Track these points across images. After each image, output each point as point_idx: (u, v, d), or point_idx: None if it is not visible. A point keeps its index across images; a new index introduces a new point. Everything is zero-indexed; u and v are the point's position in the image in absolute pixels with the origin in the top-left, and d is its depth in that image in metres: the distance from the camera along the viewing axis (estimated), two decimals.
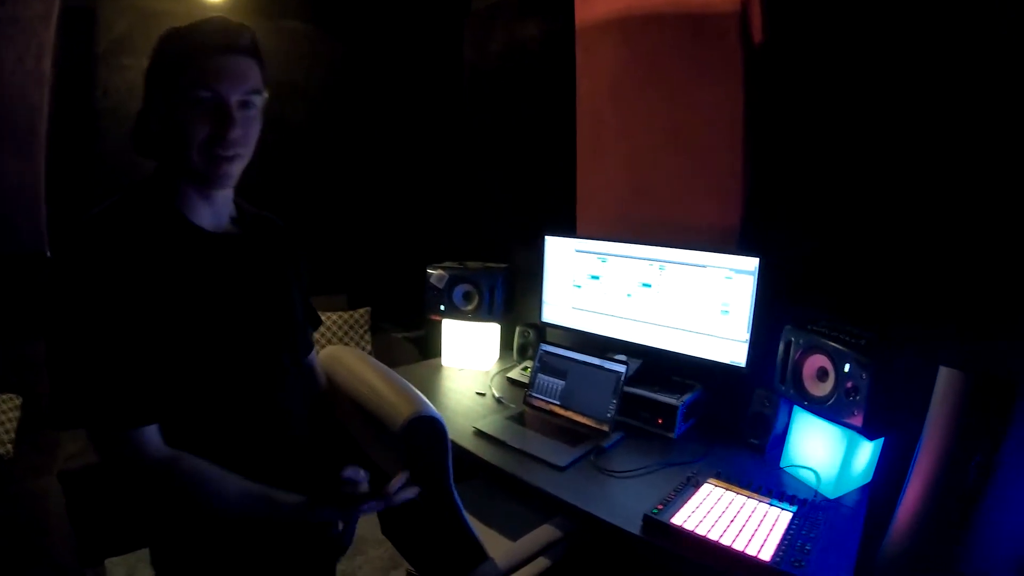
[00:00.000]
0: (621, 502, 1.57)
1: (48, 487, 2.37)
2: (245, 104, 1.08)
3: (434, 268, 2.59)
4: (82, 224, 1.00)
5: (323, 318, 3.63)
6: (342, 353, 1.55)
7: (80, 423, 0.99)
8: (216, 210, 1.17)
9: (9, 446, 2.52)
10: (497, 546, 1.72)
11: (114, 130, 3.09)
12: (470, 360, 2.65)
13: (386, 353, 3.75)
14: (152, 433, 1.03)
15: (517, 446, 1.86)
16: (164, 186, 1.11)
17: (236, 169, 1.12)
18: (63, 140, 2.93)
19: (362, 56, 3.94)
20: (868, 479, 1.67)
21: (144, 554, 2.64)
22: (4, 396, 2.61)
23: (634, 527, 1.44)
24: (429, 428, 1.27)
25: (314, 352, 1.51)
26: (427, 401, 1.30)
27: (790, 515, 1.43)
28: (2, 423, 2.53)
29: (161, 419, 1.04)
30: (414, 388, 1.35)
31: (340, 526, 1.42)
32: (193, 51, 1.03)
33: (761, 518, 1.42)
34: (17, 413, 2.62)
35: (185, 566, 1.17)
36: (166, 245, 1.05)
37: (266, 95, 1.13)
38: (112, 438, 1.01)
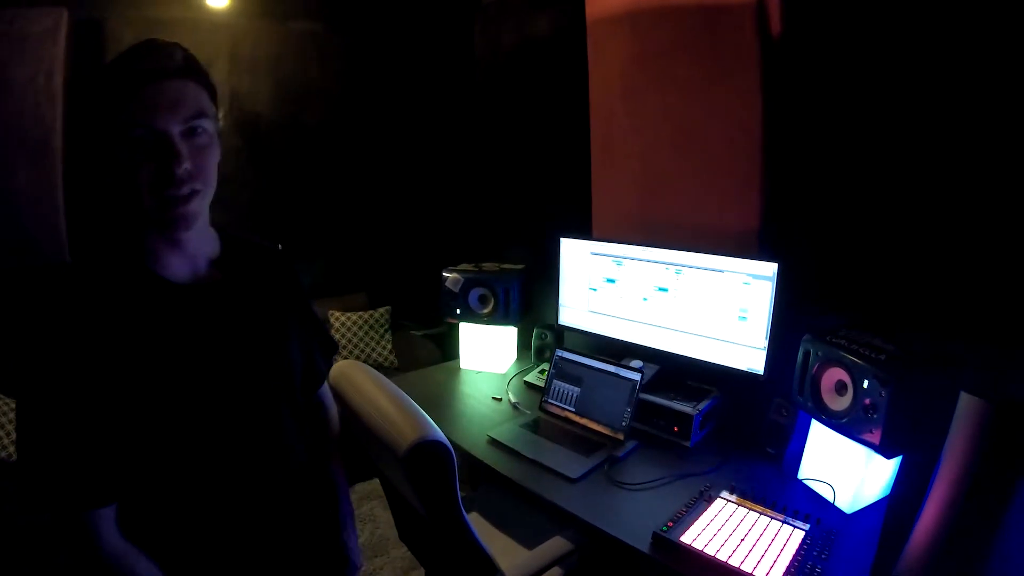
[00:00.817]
0: (632, 516, 1.56)
1: None
2: (191, 132, 0.96)
3: (449, 271, 2.59)
4: (45, 289, 0.94)
5: (344, 317, 3.70)
6: (351, 370, 1.55)
7: (39, 504, 0.93)
8: (188, 255, 1.06)
9: (14, 449, 2.58)
10: (513, 555, 1.73)
11: None
12: (488, 363, 2.64)
13: (406, 351, 3.78)
14: (109, 519, 0.97)
15: (530, 456, 1.86)
16: (128, 240, 1.02)
17: (195, 208, 0.99)
18: (78, 152, 2.97)
19: (374, 55, 3.94)
20: (886, 494, 1.64)
21: None
22: None
23: (643, 543, 1.43)
24: (434, 453, 1.27)
25: (325, 385, 1.43)
26: (432, 425, 1.30)
27: (803, 533, 1.41)
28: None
29: (121, 499, 0.98)
30: (420, 410, 1.35)
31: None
32: (119, 86, 0.92)
33: (773, 536, 1.40)
34: None
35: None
36: (134, 306, 0.97)
37: (219, 118, 1.03)
38: (68, 521, 0.95)
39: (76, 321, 0.92)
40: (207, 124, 0.99)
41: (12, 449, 2.57)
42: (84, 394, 0.91)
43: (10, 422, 2.61)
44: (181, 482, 1.03)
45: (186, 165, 0.94)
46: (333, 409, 1.46)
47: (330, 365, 1.44)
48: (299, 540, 1.20)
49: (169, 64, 0.95)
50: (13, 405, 2.65)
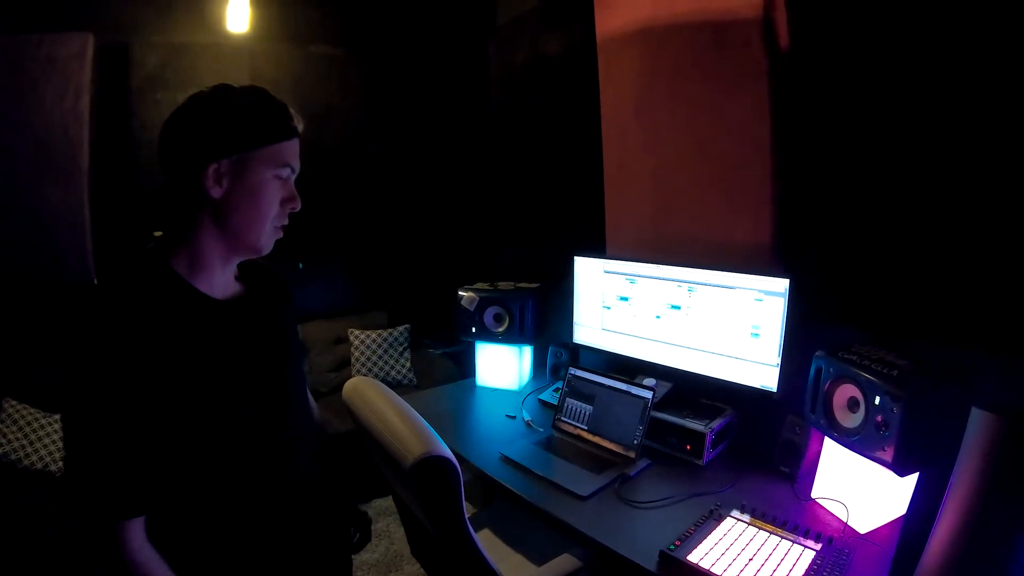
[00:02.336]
0: (640, 535, 1.55)
1: None
2: None
3: (465, 290, 2.61)
4: (94, 309, 0.98)
5: (363, 335, 3.73)
6: (363, 386, 1.57)
7: (76, 515, 0.97)
8: (226, 273, 1.15)
9: (61, 464, 2.63)
10: (521, 571, 1.74)
11: (153, 161, 3.21)
12: (503, 380, 2.65)
13: (425, 369, 3.80)
14: (138, 529, 1.00)
15: (541, 473, 1.85)
16: (165, 256, 1.08)
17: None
18: (105, 172, 3.06)
19: (392, 77, 4.01)
20: (902, 513, 1.60)
21: None
22: (55, 416, 2.74)
23: (650, 562, 1.41)
24: (439, 469, 1.27)
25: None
26: (438, 440, 1.30)
27: (813, 554, 1.39)
28: (54, 442, 2.65)
29: (152, 509, 1.02)
30: (427, 425, 1.36)
31: (355, 535, 1.48)
32: (281, 130, 1.09)
33: (782, 557, 1.39)
34: None
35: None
36: (180, 321, 1.02)
37: None
38: (100, 531, 0.98)
39: (128, 337, 0.96)
40: None
41: (47, 460, 2.64)
42: (133, 408, 0.96)
43: (47, 435, 2.68)
44: (219, 491, 1.08)
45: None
46: (317, 410, 1.51)
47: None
48: (318, 546, 1.26)
49: (299, 130, 1.14)
50: (50, 418, 2.74)
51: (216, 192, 1.04)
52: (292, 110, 1.12)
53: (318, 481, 1.27)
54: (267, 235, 1.12)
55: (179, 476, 1.04)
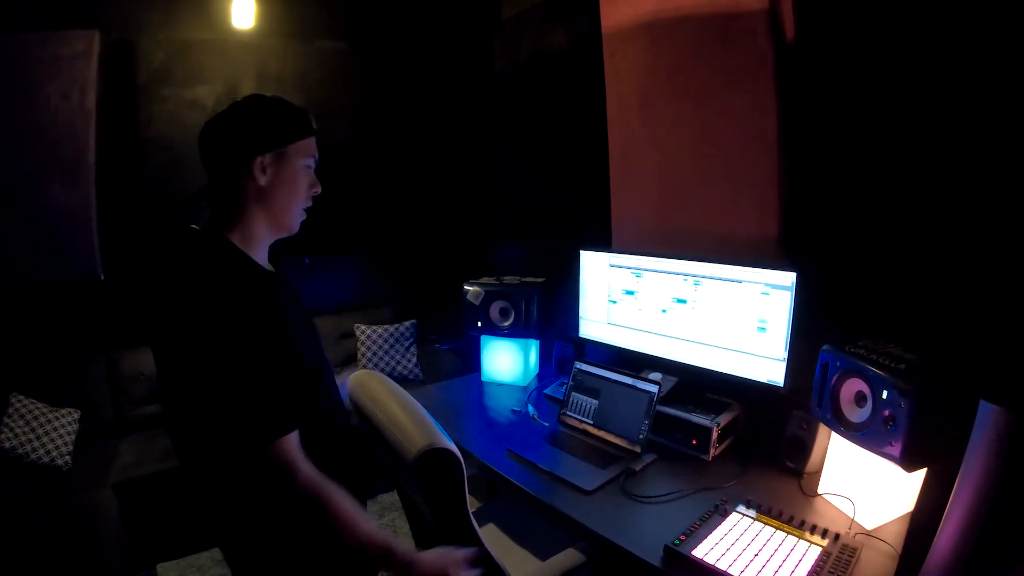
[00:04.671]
0: (645, 529, 1.54)
1: (103, 498, 2.48)
2: None
3: (471, 284, 2.60)
4: (203, 283, 1.17)
5: (369, 331, 3.73)
6: (367, 379, 1.56)
7: (244, 441, 1.13)
8: (265, 252, 1.36)
9: (68, 457, 2.66)
10: (526, 565, 1.73)
11: (158, 157, 3.22)
12: (509, 375, 2.64)
13: (431, 364, 3.80)
14: (300, 452, 1.18)
15: (547, 468, 1.85)
16: (223, 236, 1.27)
17: None
18: (111, 169, 3.06)
19: (397, 71, 4.00)
20: (909, 509, 1.59)
21: (195, 559, 2.77)
22: (64, 410, 2.75)
23: (655, 557, 1.41)
24: (442, 461, 1.26)
25: None
26: (442, 432, 1.30)
27: (820, 550, 1.38)
28: (61, 436, 2.67)
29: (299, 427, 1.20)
30: (430, 418, 1.35)
31: None
32: (305, 131, 1.33)
33: (788, 552, 1.37)
34: (76, 426, 2.76)
35: (262, 561, 1.32)
36: (255, 286, 1.22)
37: None
38: (274, 458, 1.14)
39: (239, 290, 1.18)
40: None
41: (70, 459, 2.69)
42: (260, 346, 1.16)
43: (69, 434, 2.73)
44: (309, 421, 1.26)
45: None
46: None
47: None
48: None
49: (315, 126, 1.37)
50: (72, 417, 2.77)
51: (263, 180, 1.26)
52: (309, 113, 1.35)
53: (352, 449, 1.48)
54: (298, 215, 1.36)
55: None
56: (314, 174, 1.38)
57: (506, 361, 2.65)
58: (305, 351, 1.28)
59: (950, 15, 1.55)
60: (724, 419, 1.92)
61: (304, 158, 1.33)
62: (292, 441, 1.16)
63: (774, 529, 1.46)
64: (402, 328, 3.80)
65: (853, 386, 1.57)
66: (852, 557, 1.36)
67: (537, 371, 2.71)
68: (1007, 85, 1.47)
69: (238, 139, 1.25)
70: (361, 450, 1.52)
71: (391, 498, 3.20)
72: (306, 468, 1.17)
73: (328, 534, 1.19)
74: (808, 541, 1.41)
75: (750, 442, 1.97)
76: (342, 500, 1.19)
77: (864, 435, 1.50)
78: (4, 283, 2.92)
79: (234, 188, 1.27)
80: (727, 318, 1.98)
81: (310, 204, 1.39)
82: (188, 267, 1.21)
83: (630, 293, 2.26)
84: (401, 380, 3.56)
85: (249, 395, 1.13)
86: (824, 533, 1.44)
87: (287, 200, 1.32)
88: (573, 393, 2.16)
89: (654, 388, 1.95)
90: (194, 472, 1.29)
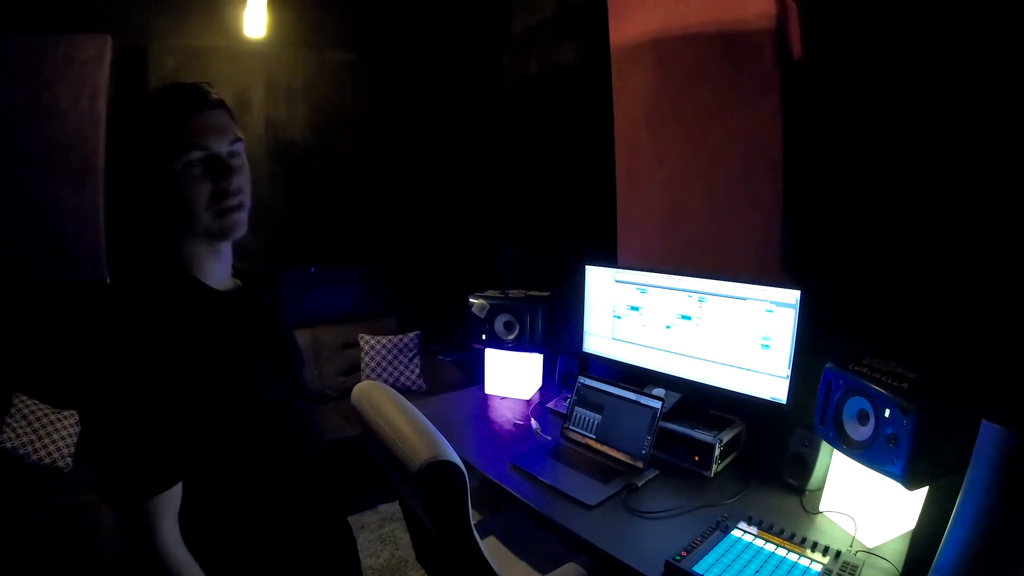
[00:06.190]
0: (646, 545, 1.54)
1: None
2: (233, 154, 1.10)
3: (476, 297, 2.61)
4: (112, 306, 1.04)
5: (373, 340, 3.74)
6: (371, 390, 1.57)
7: (104, 495, 1.01)
8: (224, 265, 1.19)
9: (69, 459, 2.68)
10: None
11: None
12: (512, 389, 2.65)
13: (434, 376, 3.81)
14: (167, 519, 1.03)
15: (549, 482, 1.85)
16: (172, 252, 1.13)
17: (244, 218, 1.13)
18: (124, 177, 3.08)
19: (406, 83, 4.03)
20: (911, 528, 1.59)
21: None
22: (66, 412, 2.77)
23: (656, 573, 1.41)
24: (446, 473, 1.27)
25: None
26: (446, 445, 1.31)
27: (821, 567, 1.38)
28: (63, 437, 2.69)
29: (179, 479, 1.04)
30: (435, 430, 1.36)
31: None
32: (170, 116, 1.05)
33: (789, 569, 1.38)
34: (78, 428, 2.77)
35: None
36: (188, 312, 1.07)
37: (244, 141, 1.16)
38: (131, 517, 1.01)
39: (148, 332, 1.00)
40: (241, 148, 1.13)
41: (71, 461, 2.70)
42: (149, 393, 0.99)
43: (70, 436, 2.74)
44: (241, 477, 1.12)
45: (236, 179, 1.09)
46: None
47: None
48: (333, 542, 1.30)
49: (208, 97, 1.10)
50: (73, 419, 2.79)
51: (152, 209, 1.11)
52: (202, 88, 1.10)
53: (329, 478, 1.32)
54: (219, 221, 1.09)
55: (201, 460, 1.07)
56: (208, 165, 1.07)
57: (510, 374, 2.65)
58: (260, 383, 1.13)
59: (958, 32, 1.56)
60: (727, 436, 1.93)
61: (174, 162, 1.04)
62: (158, 503, 1.01)
63: (775, 546, 1.47)
64: (406, 339, 3.81)
65: (856, 404, 1.57)
66: (853, 575, 1.36)
67: (541, 385, 2.71)
68: (1017, 100, 1.48)
69: (124, 169, 1.10)
70: (343, 492, 1.42)
71: (392, 508, 3.20)
72: (167, 536, 1.02)
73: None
74: (809, 558, 1.42)
75: (752, 459, 1.97)
76: None
77: (866, 453, 1.50)
78: (10, 283, 2.94)
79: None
80: (731, 335, 1.98)
81: (233, 201, 1.09)
82: (93, 302, 1.05)
83: (635, 309, 2.27)
84: (404, 391, 3.57)
85: (111, 449, 0.99)
86: (825, 551, 1.44)
87: (186, 219, 1.08)
88: (576, 407, 2.16)
89: (657, 404, 1.96)
90: None
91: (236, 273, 1.26)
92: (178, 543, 1.04)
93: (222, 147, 1.08)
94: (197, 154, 1.05)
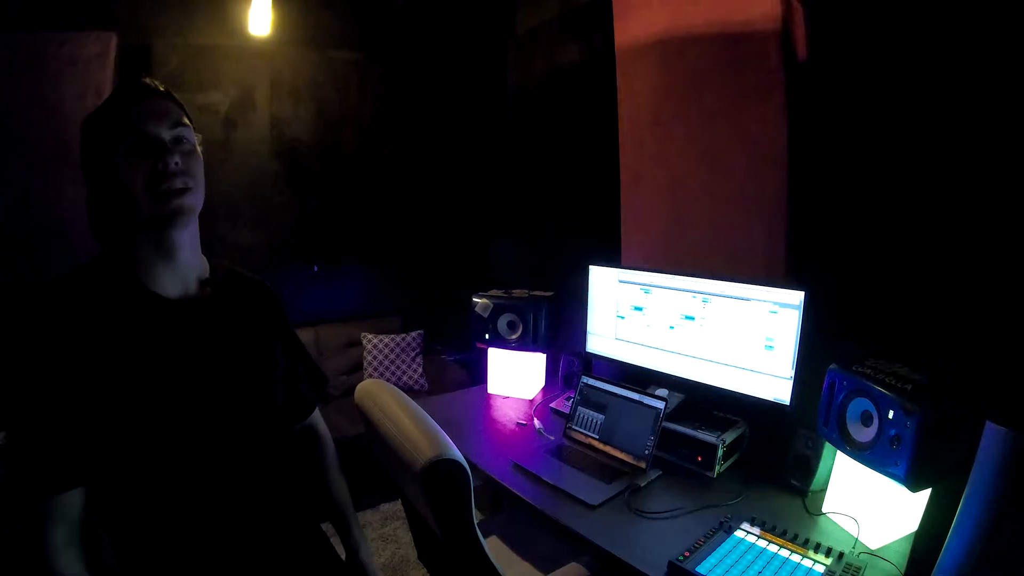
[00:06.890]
0: (649, 545, 1.54)
1: None
2: (177, 140, 1.09)
3: (479, 297, 2.61)
4: (32, 294, 1.02)
5: (376, 340, 3.74)
6: (374, 388, 1.57)
7: (11, 487, 1.00)
8: (181, 274, 1.15)
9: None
10: None
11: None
12: (515, 388, 2.65)
13: (437, 375, 3.81)
14: (62, 533, 1.02)
15: (552, 481, 1.85)
16: (123, 256, 1.10)
17: (189, 202, 1.08)
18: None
19: (410, 83, 4.04)
20: (914, 529, 1.59)
21: None
22: None
23: (659, 573, 1.41)
24: (450, 472, 1.27)
25: (315, 413, 1.55)
26: (450, 444, 1.31)
27: (823, 568, 1.38)
28: None
29: (86, 482, 1.03)
30: (438, 428, 1.36)
31: None
32: (111, 112, 1.08)
33: (792, 570, 1.38)
34: None
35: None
36: (119, 314, 1.05)
37: (198, 134, 1.15)
38: (30, 508, 1.00)
39: (64, 330, 1.00)
40: (189, 134, 1.12)
41: None
42: (61, 393, 0.99)
43: None
44: (154, 487, 1.08)
45: (176, 159, 1.06)
46: (327, 439, 1.56)
47: (320, 397, 1.55)
48: (272, 556, 1.24)
49: (150, 86, 1.11)
50: None
51: (107, 203, 1.09)
52: (145, 80, 1.11)
53: (273, 487, 1.26)
54: (150, 206, 1.05)
55: (116, 468, 1.05)
56: (146, 148, 1.05)
57: (513, 374, 2.66)
58: (179, 398, 1.08)
59: (964, 34, 1.56)
60: (730, 436, 1.93)
61: (116, 150, 1.05)
62: (52, 507, 1.00)
63: (778, 547, 1.47)
64: (409, 338, 3.82)
65: (859, 405, 1.57)
66: None
67: (544, 385, 2.72)
68: (1017, 100, 1.48)
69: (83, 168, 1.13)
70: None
71: (394, 507, 3.20)
72: (54, 542, 1.01)
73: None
74: (812, 560, 1.42)
75: (755, 460, 1.97)
76: None
77: (869, 455, 1.50)
78: (14, 281, 2.92)
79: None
80: (735, 336, 1.98)
81: (174, 184, 1.06)
82: (22, 303, 1.03)
83: (638, 309, 2.27)
84: (406, 390, 3.56)
85: (13, 445, 1.00)
86: (828, 552, 1.44)
87: (130, 208, 1.06)
88: (579, 408, 2.16)
89: (660, 404, 1.96)
90: None
91: (214, 277, 1.22)
92: (65, 552, 1.02)
93: (161, 130, 1.06)
94: (133, 139, 1.04)
